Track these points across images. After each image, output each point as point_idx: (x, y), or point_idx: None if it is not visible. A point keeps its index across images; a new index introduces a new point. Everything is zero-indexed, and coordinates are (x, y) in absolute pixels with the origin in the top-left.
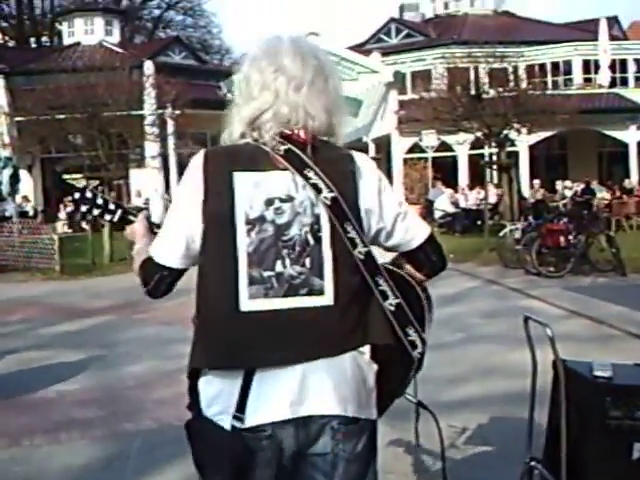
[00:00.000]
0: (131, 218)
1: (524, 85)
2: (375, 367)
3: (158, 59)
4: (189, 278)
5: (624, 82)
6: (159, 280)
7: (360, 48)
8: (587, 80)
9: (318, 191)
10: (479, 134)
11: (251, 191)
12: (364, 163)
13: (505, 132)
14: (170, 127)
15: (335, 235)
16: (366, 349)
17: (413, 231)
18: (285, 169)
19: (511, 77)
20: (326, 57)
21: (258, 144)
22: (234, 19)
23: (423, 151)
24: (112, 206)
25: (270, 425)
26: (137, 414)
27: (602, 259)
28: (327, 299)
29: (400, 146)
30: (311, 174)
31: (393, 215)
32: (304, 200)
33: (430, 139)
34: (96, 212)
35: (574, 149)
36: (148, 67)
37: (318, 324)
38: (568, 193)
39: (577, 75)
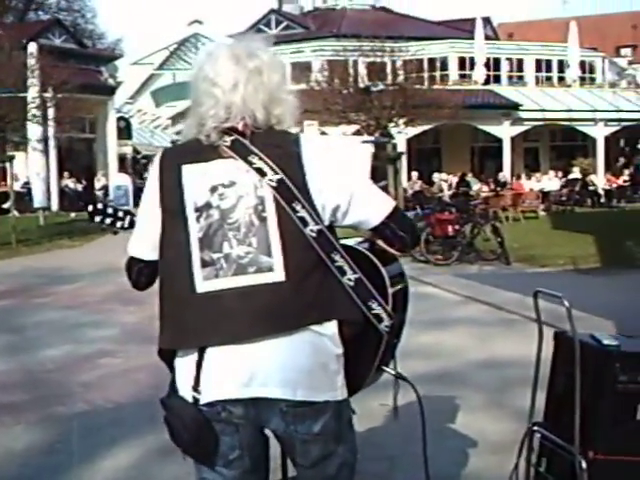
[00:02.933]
0: None
1: (401, 79)
2: (340, 349)
3: (38, 42)
4: (80, 263)
5: (497, 80)
6: (138, 272)
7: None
8: (462, 76)
9: (262, 175)
10: (358, 127)
11: (197, 181)
12: (311, 144)
13: (391, 125)
14: (51, 111)
15: (282, 215)
16: (329, 329)
17: (372, 208)
18: (229, 157)
19: (389, 71)
20: (266, 55)
21: (204, 139)
22: (109, 3)
23: None
24: (121, 214)
25: (221, 402)
26: (66, 397)
27: (487, 249)
28: (277, 275)
29: None
30: (255, 159)
31: (347, 193)
32: (247, 184)
33: (311, 130)
34: (108, 221)
35: (448, 143)
36: (32, 49)
37: (269, 299)
38: (444, 185)
39: (453, 71)
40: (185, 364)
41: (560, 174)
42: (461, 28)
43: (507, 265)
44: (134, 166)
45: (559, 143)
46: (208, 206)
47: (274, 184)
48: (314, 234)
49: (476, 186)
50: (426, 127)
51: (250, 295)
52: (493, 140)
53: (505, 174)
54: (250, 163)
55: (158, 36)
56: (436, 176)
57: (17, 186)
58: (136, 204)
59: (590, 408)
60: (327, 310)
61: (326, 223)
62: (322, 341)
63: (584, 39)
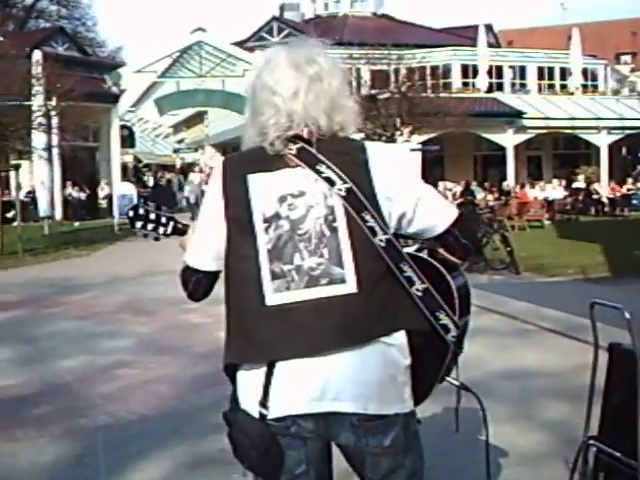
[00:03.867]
0: (183, 229)
1: (404, 88)
2: (408, 360)
3: (41, 50)
4: (89, 273)
5: (500, 87)
6: (196, 283)
7: (242, 46)
8: (465, 84)
9: (331, 184)
10: (362, 135)
11: (265, 191)
12: (377, 151)
13: (397, 133)
14: (55, 119)
15: (352, 224)
16: (398, 340)
17: (437, 216)
18: (296, 166)
19: (392, 79)
20: (325, 60)
21: (269, 147)
22: (111, 12)
23: None
24: (164, 220)
25: (291, 417)
26: (88, 409)
27: (496, 258)
28: (350, 287)
29: None
30: (323, 168)
31: (413, 200)
32: (316, 193)
33: None
34: (150, 227)
35: (451, 151)
36: (37, 57)
37: (342, 312)
38: (449, 194)
39: (456, 79)
40: (251, 378)
41: (564, 183)
42: (463, 35)
43: (517, 274)
44: (136, 174)
45: (562, 151)
46: (277, 217)
47: (343, 193)
48: (383, 244)
49: (480, 195)
50: (428, 136)
51: (323, 308)
52: (496, 148)
53: (509, 183)
54: (319, 172)
55: (160, 44)
56: (441, 185)
57: (21, 195)
58: None
59: None
60: (396, 321)
61: (391, 231)
62: (391, 352)
63: (584, 46)
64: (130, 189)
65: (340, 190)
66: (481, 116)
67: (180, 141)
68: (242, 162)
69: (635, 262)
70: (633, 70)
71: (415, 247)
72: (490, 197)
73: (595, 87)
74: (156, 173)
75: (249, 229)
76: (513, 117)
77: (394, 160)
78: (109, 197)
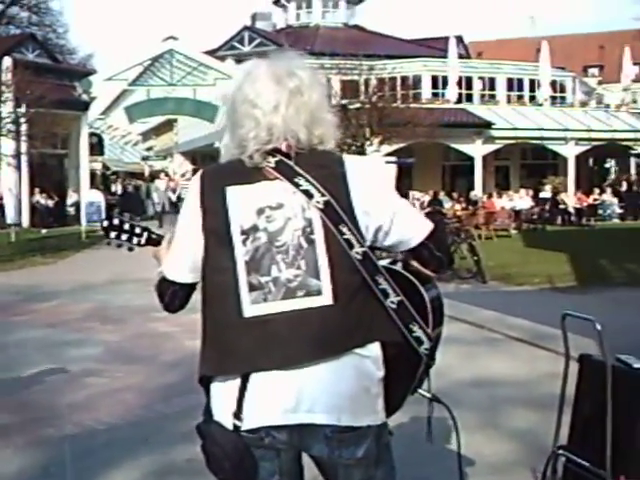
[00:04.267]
0: (157, 239)
1: (374, 98)
2: (382, 372)
3: (11, 56)
4: (56, 281)
5: (469, 98)
6: (172, 295)
7: (213, 54)
8: (435, 95)
9: (309, 196)
10: (340, 144)
11: (243, 203)
12: (355, 164)
13: (367, 143)
14: (24, 126)
15: (329, 237)
16: (372, 352)
17: (412, 229)
18: (275, 179)
19: (362, 89)
20: (305, 73)
21: (248, 160)
22: (82, 19)
23: None
24: (138, 230)
25: (265, 428)
26: (55, 419)
27: (463, 267)
28: (326, 299)
29: None
30: (301, 181)
31: (390, 214)
32: (295, 206)
33: None
34: (124, 237)
35: (419, 161)
36: (7, 63)
37: (319, 323)
38: (417, 204)
39: (426, 90)
40: (225, 390)
41: (531, 192)
42: (433, 46)
43: (483, 283)
44: (104, 182)
45: (529, 162)
46: (255, 229)
47: (321, 206)
48: (359, 256)
49: (448, 204)
50: (400, 145)
51: (300, 319)
52: (465, 158)
53: (477, 192)
54: (297, 185)
55: (132, 52)
56: (411, 194)
57: None
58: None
59: (621, 432)
60: (370, 333)
61: (368, 244)
62: (365, 364)
63: (553, 58)
64: (98, 196)
65: (318, 203)
66: (450, 126)
67: (149, 149)
68: (220, 174)
69: (601, 271)
70: (600, 83)
71: (389, 260)
72: (458, 207)
73: (563, 99)
74: (124, 180)
75: (227, 241)
76: (482, 128)
77: (371, 174)
78: (77, 204)
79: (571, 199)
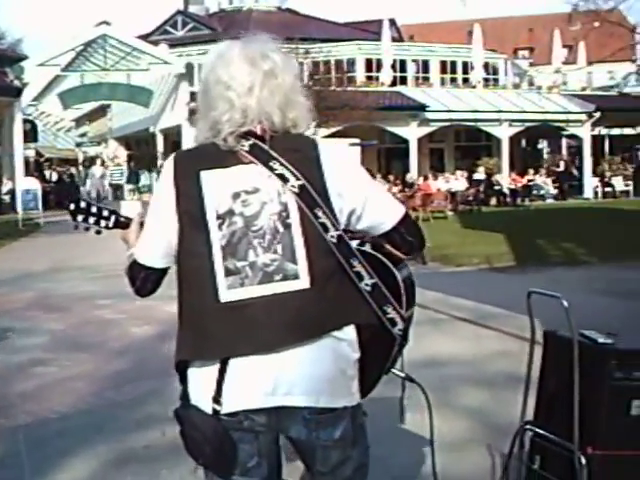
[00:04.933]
0: (125, 222)
1: (310, 81)
2: (357, 354)
3: None
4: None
5: (403, 81)
6: (144, 279)
7: (146, 39)
8: (369, 78)
9: (285, 180)
10: None
11: (218, 187)
12: (328, 148)
13: None
14: None
15: (305, 221)
16: (348, 334)
17: (385, 213)
18: (250, 163)
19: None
20: (280, 55)
21: (222, 143)
22: (10, 3)
23: None
24: (106, 212)
25: (243, 412)
26: (6, 409)
27: None
28: (303, 282)
29: (191, 137)
30: (276, 165)
31: (362, 197)
32: (270, 190)
33: None
34: (92, 220)
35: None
36: None
37: (296, 307)
38: None
39: (360, 73)
40: (203, 375)
41: (466, 174)
42: (366, 30)
43: (424, 265)
44: (37, 169)
45: (463, 144)
46: (231, 213)
47: (296, 190)
48: (334, 240)
49: (384, 187)
50: (336, 129)
51: (277, 303)
52: (400, 141)
53: (413, 175)
54: (272, 169)
55: (62, 37)
56: None
57: None
58: (45, 207)
59: (586, 405)
60: (346, 315)
61: (341, 228)
62: (341, 347)
63: (484, 41)
64: (34, 184)
65: (293, 187)
66: (386, 109)
67: (83, 135)
68: (194, 158)
69: (538, 251)
70: (532, 65)
71: (357, 242)
72: (394, 189)
73: (496, 81)
74: (57, 167)
75: (202, 225)
76: (417, 110)
77: (344, 157)
78: (12, 192)
79: (505, 180)
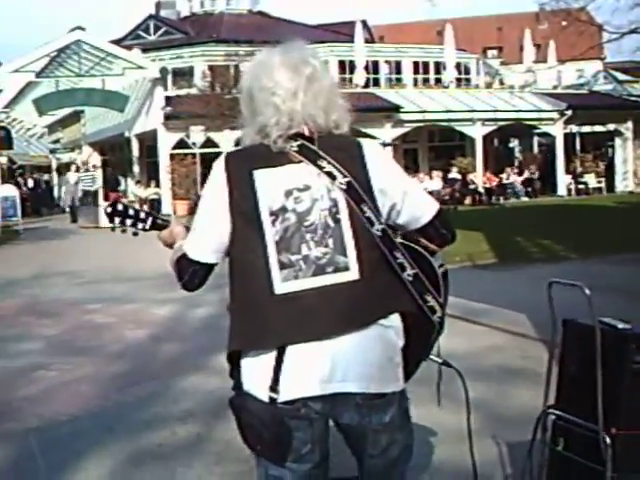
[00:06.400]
0: (162, 224)
1: None
2: (402, 341)
3: None
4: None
5: (376, 82)
6: (192, 274)
7: (119, 44)
8: (342, 80)
9: (333, 178)
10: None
11: (271, 185)
12: (371, 148)
13: None
14: None
15: (353, 216)
16: (394, 322)
17: (422, 208)
18: (300, 162)
19: None
20: (317, 60)
21: (272, 145)
22: None
23: (190, 147)
24: (143, 215)
25: (301, 399)
26: (14, 413)
27: None
28: (353, 274)
29: (166, 141)
30: (324, 163)
31: (402, 193)
32: (320, 187)
33: (197, 135)
34: (129, 222)
35: None
36: None
37: (347, 297)
38: None
39: (333, 75)
40: (259, 364)
41: (441, 174)
42: (339, 31)
43: None
44: (10, 176)
45: (437, 144)
46: (284, 210)
47: (344, 187)
48: (379, 233)
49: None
50: None
51: (330, 294)
52: None
53: None
54: (320, 167)
55: (36, 43)
56: None
57: None
58: (22, 215)
59: (608, 388)
60: (391, 304)
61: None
62: (389, 334)
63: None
64: (12, 191)
65: (341, 184)
66: (360, 111)
67: (56, 141)
68: (246, 158)
69: (518, 248)
70: (503, 64)
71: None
72: None
73: (468, 81)
74: (32, 174)
75: (256, 222)
76: (390, 111)
77: (385, 156)
78: None
79: (480, 179)
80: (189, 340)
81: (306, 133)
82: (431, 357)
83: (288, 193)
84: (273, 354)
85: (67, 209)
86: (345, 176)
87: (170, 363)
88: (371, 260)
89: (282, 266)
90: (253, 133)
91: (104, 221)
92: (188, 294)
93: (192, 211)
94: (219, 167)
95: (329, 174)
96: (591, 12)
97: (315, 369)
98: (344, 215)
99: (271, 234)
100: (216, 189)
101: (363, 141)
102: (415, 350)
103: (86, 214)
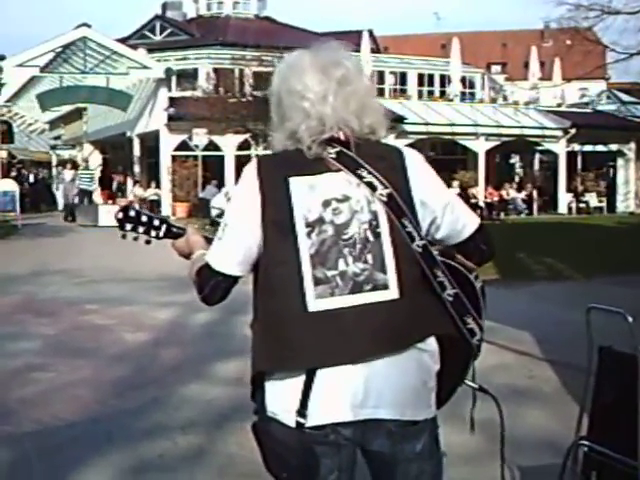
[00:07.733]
0: (177, 232)
1: None
2: (438, 366)
3: None
4: None
5: (381, 93)
6: (214, 286)
7: (124, 43)
8: None
9: (373, 189)
10: (247, 136)
11: (307, 194)
12: (413, 156)
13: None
14: None
15: (394, 230)
16: (431, 346)
17: (463, 221)
18: (338, 170)
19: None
20: (351, 61)
21: (307, 151)
22: None
23: (192, 149)
24: (157, 222)
25: (330, 425)
26: (10, 416)
27: None
28: (392, 293)
29: (169, 143)
30: (364, 173)
31: (442, 206)
32: (360, 198)
33: (200, 138)
34: (141, 229)
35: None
36: None
37: (385, 318)
38: None
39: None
40: (286, 386)
41: None
42: (345, 40)
43: None
44: (9, 171)
45: (440, 157)
46: (321, 221)
47: (385, 199)
48: (420, 249)
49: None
50: None
51: (368, 314)
52: None
53: None
54: (360, 177)
55: (42, 39)
56: None
57: None
58: (21, 210)
59: None
60: (430, 326)
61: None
62: (424, 358)
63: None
64: (12, 186)
65: (382, 195)
66: None
67: (57, 137)
68: (280, 164)
69: (520, 265)
70: (508, 79)
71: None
72: None
73: (472, 95)
74: (30, 169)
75: (290, 233)
76: (395, 122)
77: (426, 166)
78: None
79: (481, 194)
80: (190, 346)
81: (342, 138)
82: (466, 382)
83: (326, 203)
84: (302, 376)
85: (61, 206)
86: (386, 187)
87: (171, 369)
88: (411, 278)
89: (317, 282)
90: (284, 138)
91: (103, 220)
92: (188, 298)
93: (191, 214)
94: (251, 172)
95: (369, 184)
96: (597, 32)
97: (347, 393)
98: (384, 229)
99: (306, 247)
100: (247, 196)
101: (404, 149)
102: (451, 375)
103: (85, 213)
